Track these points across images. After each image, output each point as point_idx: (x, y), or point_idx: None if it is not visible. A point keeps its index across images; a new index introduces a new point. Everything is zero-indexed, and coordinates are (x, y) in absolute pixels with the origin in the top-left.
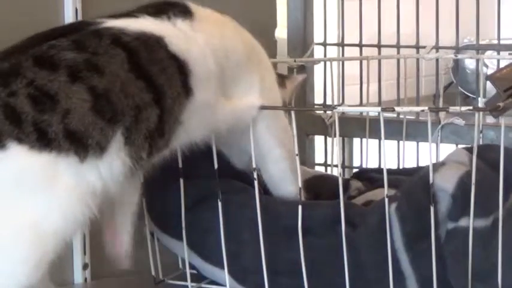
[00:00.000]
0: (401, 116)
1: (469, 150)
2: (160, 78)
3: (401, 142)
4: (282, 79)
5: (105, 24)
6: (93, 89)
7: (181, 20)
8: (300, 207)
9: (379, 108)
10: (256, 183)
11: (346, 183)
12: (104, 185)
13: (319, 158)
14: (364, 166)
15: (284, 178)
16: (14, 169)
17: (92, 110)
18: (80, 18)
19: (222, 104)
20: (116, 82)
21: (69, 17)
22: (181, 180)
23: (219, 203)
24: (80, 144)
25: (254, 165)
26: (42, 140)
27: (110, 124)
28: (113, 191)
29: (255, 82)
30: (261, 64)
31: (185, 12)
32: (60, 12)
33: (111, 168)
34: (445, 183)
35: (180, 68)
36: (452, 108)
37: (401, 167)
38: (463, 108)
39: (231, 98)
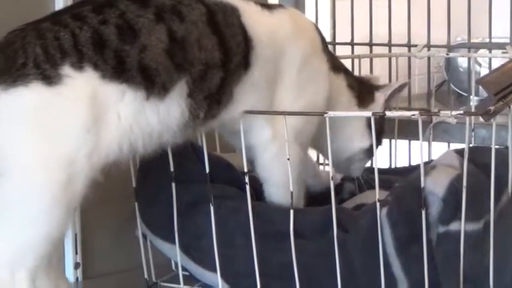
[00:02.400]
0: None
1: (460, 152)
2: (231, 41)
3: (393, 140)
4: (368, 91)
5: None
6: (171, 33)
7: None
8: (291, 211)
9: (369, 113)
10: (248, 187)
11: (339, 186)
12: (160, 129)
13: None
14: None
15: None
16: (82, 92)
17: (165, 52)
18: None
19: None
20: (193, 32)
21: None
22: (173, 184)
23: (211, 207)
24: (149, 80)
25: (246, 169)
26: (118, 68)
27: (178, 69)
28: (164, 138)
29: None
30: (310, 80)
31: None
32: (52, 8)
33: (169, 113)
34: (435, 187)
35: (245, 40)
36: (443, 113)
37: (393, 166)
38: (454, 113)
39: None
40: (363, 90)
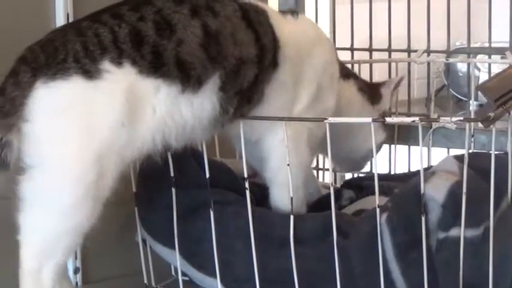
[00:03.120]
0: None
1: (459, 158)
2: (264, 38)
3: (392, 146)
4: (375, 90)
5: None
6: (206, 27)
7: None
8: (291, 217)
9: (369, 119)
10: (248, 192)
11: (338, 193)
12: (193, 122)
13: None
14: None
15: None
16: (120, 87)
17: (201, 46)
18: None
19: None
20: (227, 26)
21: (60, 23)
22: (173, 190)
23: (211, 213)
24: (185, 74)
25: (246, 175)
26: (155, 63)
27: (212, 62)
28: (196, 132)
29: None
30: (327, 87)
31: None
32: (52, 18)
33: (202, 106)
34: (435, 193)
35: (274, 40)
36: (442, 119)
37: (393, 171)
38: (454, 119)
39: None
40: (371, 90)
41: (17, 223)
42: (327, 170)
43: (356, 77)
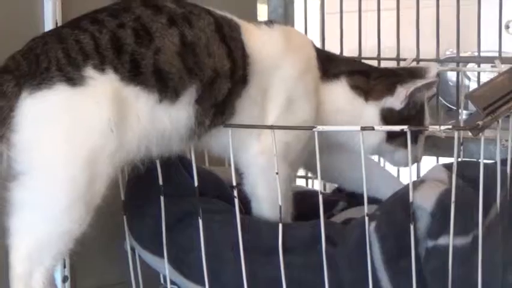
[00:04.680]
0: None
1: (448, 167)
2: (236, 53)
3: None
4: (387, 85)
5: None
6: (183, 37)
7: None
8: (280, 226)
9: (358, 128)
10: (236, 201)
11: (334, 202)
12: (170, 132)
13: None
14: None
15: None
16: (105, 93)
17: (178, 55)
18: None
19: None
20: (201, 38)
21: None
22: (162, 198)
23: (200, 221)
24: (162, 83)
25: (234, 183)
26: (134, 71)
27: (189, 74)
28: (173, 142)
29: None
30: (302, 97)
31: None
32: (40, 25)
33: (178, 118)
34: (424, 201)
35: (243, 56)
36: (431, 127)
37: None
38: (443, 127)
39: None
40: (377, 85)
41: (6, 227)
42: (315, 178)
43: (351, 73)
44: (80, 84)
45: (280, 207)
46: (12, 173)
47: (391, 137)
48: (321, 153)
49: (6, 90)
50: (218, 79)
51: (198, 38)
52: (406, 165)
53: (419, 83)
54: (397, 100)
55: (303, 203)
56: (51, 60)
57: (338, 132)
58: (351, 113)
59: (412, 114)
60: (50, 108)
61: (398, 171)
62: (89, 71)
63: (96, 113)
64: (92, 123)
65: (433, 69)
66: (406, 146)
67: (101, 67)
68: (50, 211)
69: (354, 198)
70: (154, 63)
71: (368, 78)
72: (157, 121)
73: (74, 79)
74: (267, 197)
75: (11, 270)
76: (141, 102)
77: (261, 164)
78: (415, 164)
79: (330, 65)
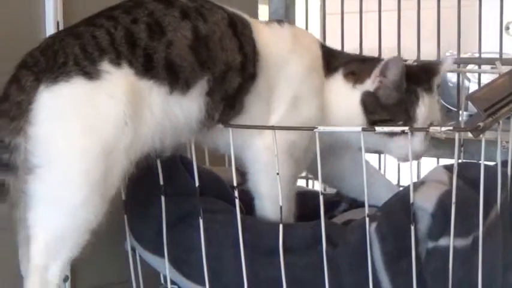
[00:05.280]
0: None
1: (448, 168)
2: (247, 48)
3: (382, 155)
4: (369, 70)
5: None
6: (196, 30)
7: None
8: (281, 226)
9: (359, 129)
10: (237, 201)
11: (336, 203)
12: (183, 123)
13: None
14: None
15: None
16: (120, 87)
17: (190, 48)
18: None
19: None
20: (216, 32)
21: (50, 31)
22: (163, 198)
23: (201, 221)
24: (174, 76)
25: (235, 183)
26: (147, 65)
27: (201, 67)
28: (184, 134)
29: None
30: (307, 95)
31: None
32: (42, 26)
33: (189, 109)
34: (424, 202)
35: (254, 53)
36: (432, 129)
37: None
38: (444, 129)
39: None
40: (363, 68)
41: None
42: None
43: (348, 63)
44: (96, 78)
45: (281, 207)
46: (29, 166)
47: (376, 122)
48: (324, 160)
49: (25, 85)
50: (229, 72)
51: (212, 31)
52: (402, 155)
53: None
54: (371, 81)
55: (305, 204)
56: (68, 55)
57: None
58: (345, 101)
59: (390, 102)
60: (66, 102)
61: (398, 172)
62: (105, 65)
63: (111, 106)
64: (107, 116)
65: (448, 63)
66: (397, 135)
67: (116, 61)
68: (66, 204)
69: (357, 200)
70: (166, 57)
71: (361, 64)
72: (170, 113)
73: (90, 73)
74: (270, 195)
75: (30, 261)
76: (154, 95)
77: (265, 161)
78: (415, 165)
79: (332, 60)
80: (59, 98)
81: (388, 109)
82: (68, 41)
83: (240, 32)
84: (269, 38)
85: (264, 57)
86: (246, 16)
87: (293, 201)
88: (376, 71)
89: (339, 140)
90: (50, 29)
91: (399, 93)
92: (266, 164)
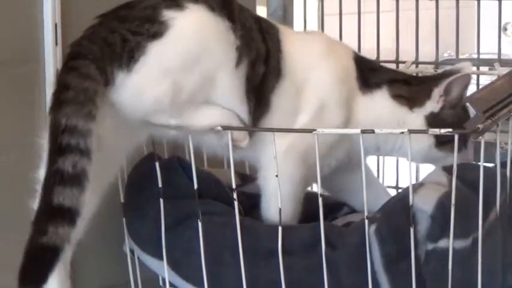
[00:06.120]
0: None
1: (448, 170)
2: (270, 44)
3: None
4: (423, 89)
5: None
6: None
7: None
8: (280, 228)
9: (358, 130)
10: (236, 204)
11: (339, 206)
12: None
13: None
14: None
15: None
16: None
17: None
18: (59, 33)
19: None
20: (247, 22)
21: (48, 32)
22: (161, 200)
23: (199, 224)
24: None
25: (234, 186)
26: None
27: (245, 47)
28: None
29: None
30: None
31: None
32: (40, 27)
33: (237, 83)
34: (424, 204)
35: (279, 52)
36: (431, 131)
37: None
38: (443, 130)
39: None
40: (418, 91)
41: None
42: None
43: (393, 82)
44: (165, 29)
45: (280, 209)
46: None
47: (440, 143)
48: (339, 173)
49: (89, 73)
50: (258, 61)
51: (246, 20)
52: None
53: (450, 78)
54: (433, 102)
55: (306, 206)
56: (122, 32)
57: (381, 137)
58: (395, 123)
59: (456, 119)
60: (153, 70)
61: (397, 174)
62: (167, 13)
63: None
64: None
65: (467, 67)
66: (457, 151)
67: (173, 3)
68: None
69: None
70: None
71: (409, 86)
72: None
73: (156, 33)
74: (281, 197)
75: None
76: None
77: (282, 164)
78: (414, 167)
79: (370, 75)
80: (145, 73)
81: (454, 126)
82: (111, 25)
83: (265, 30)
84: (298, 43)
85: (290, 59)
86: (275, 23)
87: (299, 204)
88: (440, 91)
89: (369, 150)
90: (48, 31)
91: (462, 108)
92: (279, 168)
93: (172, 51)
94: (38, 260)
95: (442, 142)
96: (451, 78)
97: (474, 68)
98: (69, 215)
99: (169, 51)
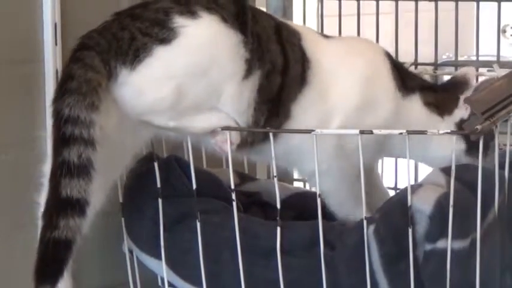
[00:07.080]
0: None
1: (446, 171)
2: (290, 54)
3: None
4: (451, 97)
5: None
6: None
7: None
8: (278, 228)
9: (357, 131)
10: (235, 204)
11: None
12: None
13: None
14: None
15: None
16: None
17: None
18: (59, 33)
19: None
20: (264, 33)
21: (48, 32)
22: (160, 200)
23: (198, 223)
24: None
25: (233, 186)
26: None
27: (257, 60)
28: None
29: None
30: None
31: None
32: (39, 28)
33: (244, 95)
34: (422, 204)
35: (303, 60)
36: (430, 132)
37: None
38: (441, 131)
39: None
40: (445, 99)
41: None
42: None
43: (425, 89)
44: (174, 37)
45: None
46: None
47: (471, 148)
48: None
49: (93, 64)
50: (273, 73)
51: (262, 31)
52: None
53: (472, 88)
54: (462, 110)
55: (305, 205)
56: (133, 30)
57: (401, 141)
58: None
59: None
60: (156, 73)
61: (396, 174)
62: (178, 19)
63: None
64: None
65: (472, 74)
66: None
67: (187, 10)
68: None
69: None
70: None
71: (436, 93)
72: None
73: (164, 39)
74: (333, 196)
75: None
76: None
77: (321, 173)
78: (414, 168)
79: (407, 80)
80: (148, 72)
81: None
82: (125, 21)
83: (286, 39)
84: (325, 48)
85: (316, 65)
86: (297, 27)
87: (359, 194)
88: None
89: (391, 149)
90: (48, 31)
91: None
92: (321, 176)
93: (178, 60)
94: (52, 256)
95: (472, 148)
96: (476, 86)
97: (437, 71)
98: (78, 207)
99: (175, 59)
